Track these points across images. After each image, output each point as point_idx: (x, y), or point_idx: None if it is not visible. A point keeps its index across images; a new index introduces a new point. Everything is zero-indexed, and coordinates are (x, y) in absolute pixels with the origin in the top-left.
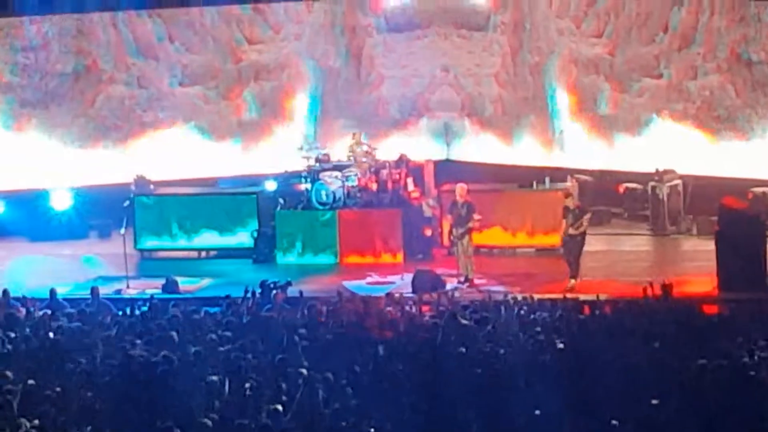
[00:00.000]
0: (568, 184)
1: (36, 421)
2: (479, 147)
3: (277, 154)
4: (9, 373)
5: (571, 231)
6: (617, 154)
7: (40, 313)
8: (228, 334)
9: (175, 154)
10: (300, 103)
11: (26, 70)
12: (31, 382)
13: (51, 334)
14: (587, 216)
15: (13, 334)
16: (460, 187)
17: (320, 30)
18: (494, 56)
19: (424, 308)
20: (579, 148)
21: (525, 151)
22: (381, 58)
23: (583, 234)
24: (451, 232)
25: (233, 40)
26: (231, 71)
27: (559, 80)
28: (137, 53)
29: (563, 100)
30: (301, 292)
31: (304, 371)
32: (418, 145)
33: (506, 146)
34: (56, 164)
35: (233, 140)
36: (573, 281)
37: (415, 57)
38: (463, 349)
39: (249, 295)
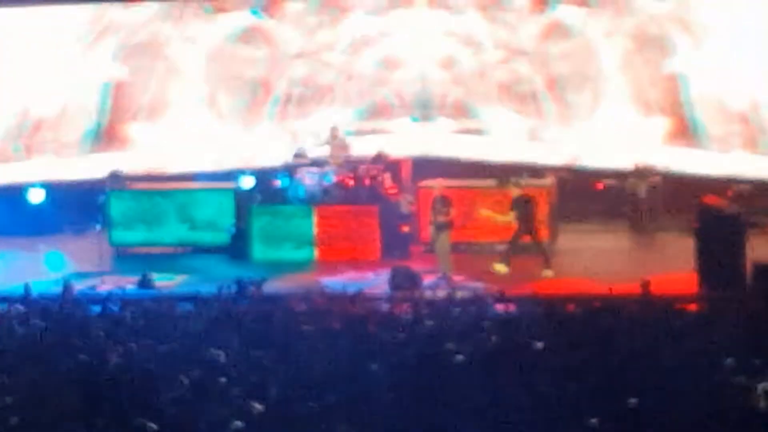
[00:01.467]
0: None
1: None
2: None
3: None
4: None
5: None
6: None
7: (12, 309)
8: (200, 330)
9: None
10: None
11: None
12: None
13: (24, 331)
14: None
15: None
16: (438, 183)
17: None
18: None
19: (401, 305)
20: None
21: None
22: None
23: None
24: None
25: None
26: None
27: None
28: None
29: None
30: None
31: (279, 368)
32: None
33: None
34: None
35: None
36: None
37: None
38: (442, 347)
39: (224, 290)
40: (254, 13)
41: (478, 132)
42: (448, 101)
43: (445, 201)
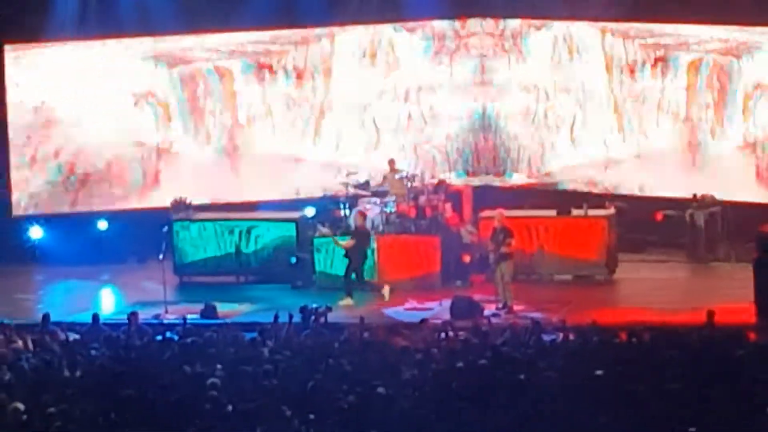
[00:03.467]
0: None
1: None
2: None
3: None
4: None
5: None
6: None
7: (78, 338)
8: (264, 358)
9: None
10: None
11: None
12: (72, 408)
13: (92, 360)
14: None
15: (51, 359)
16: (498, 212)
17: None
18: None
19: (462, 334)
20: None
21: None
22: None
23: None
24: (490, 258)
25: None
26: None
27: None
28: None
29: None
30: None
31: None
32: None
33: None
34: None
35: None
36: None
37: None
38: (501, 376)
39: (287, 320)
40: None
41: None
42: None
43: (505, 232)
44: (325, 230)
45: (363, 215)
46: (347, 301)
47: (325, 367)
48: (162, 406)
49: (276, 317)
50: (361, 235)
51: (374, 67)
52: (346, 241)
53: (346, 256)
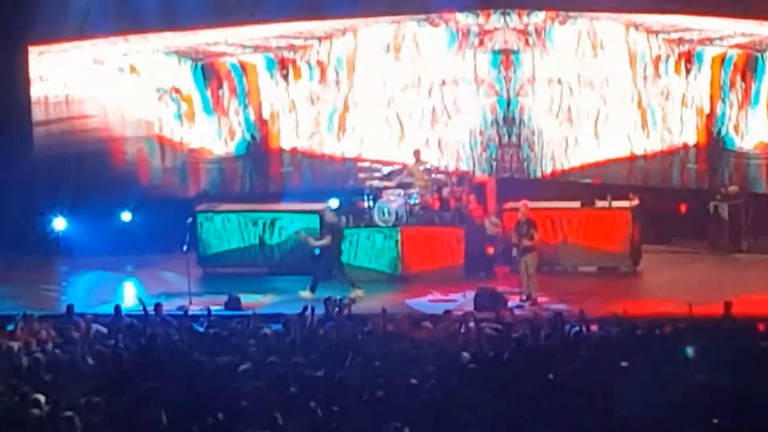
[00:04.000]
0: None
1: None
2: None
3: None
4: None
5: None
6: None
7: (102, 329)
8: (284, 350)
9: None
10: None
11: None
12: (96, 399)
13: (115, 350)
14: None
15: (76, 351)
16: (523, 204)
17: None
18: None
19: (486, 326)
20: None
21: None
22: None
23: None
24: (514, 250)
25: None
26: None
27: None
28: None
29: None
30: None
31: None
32: None
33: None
34: None
35: None
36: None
37: None
38: (525, 367)
39: (309, 312)
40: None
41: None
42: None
43: (529, 223)
44: (302, 235)
45: (332, 211)
46: (358, 292)
47: (349, 360)
48: (185, 397)
49: (305, 309)
50: (336, 230)
51: (398, 61)
52: (323, 241)
53: (322, 253)
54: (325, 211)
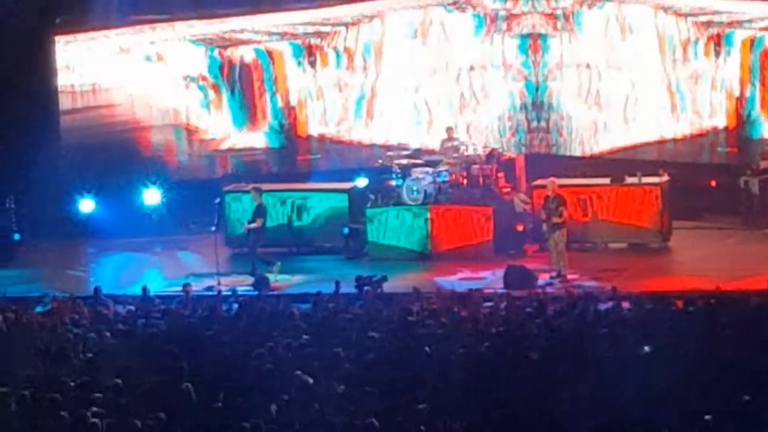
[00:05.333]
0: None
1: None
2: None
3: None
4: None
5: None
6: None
7: (132, 309)
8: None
9: None
10: None
11: None
12: (125, 379)
13: (143, 331)
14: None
15: (106, 332)
16: (551, 181)
17: None
18: None
19: (516, 303)
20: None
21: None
22: None
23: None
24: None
25: None
26: None
27: None
28: None
29: None
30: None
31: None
32: None
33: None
34: None
35: None
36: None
37: None
38: (555, 345)
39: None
40: None
41: None
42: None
43: (558, 200)
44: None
45: (258, 191)
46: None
47: (377, 340)
48: (213, 375)
49: (338, 286)
50: (265, 212)
51: (425, 47)
52: (255, 223)
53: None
54: (252, 192)
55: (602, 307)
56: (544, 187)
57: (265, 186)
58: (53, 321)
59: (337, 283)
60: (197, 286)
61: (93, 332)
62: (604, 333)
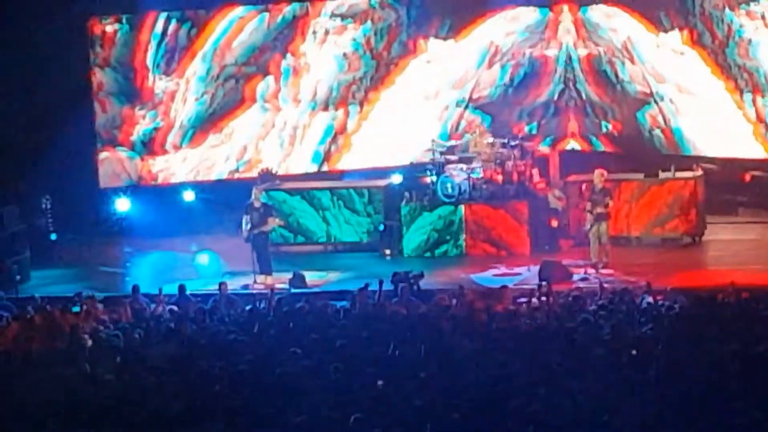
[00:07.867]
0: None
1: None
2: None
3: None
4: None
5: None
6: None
7: (169, 308)
8: (347, 328)
9: None
10: None
11: None
12: (163, 378)
13: (181, 329)
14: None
15: (143, 331)
16: (599, 172)
17: None
18: None
19: (551, 299)
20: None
21: None
22: None
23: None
24: (587, 217)
25: None
26: None
27: None
28: None
29: None
30: None
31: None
32: None
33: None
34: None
35: None
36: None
37: None
38: (591, 340)
39: (376, 288)
40: None
41: None
42: None
43: (605, 191)
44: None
45: (259, 191)
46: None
47: (410, 337)
48: (250, 375)
49: (366, 285)
50: (269, 209)
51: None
52: (278, 220)
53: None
54: (255, 192)
55: (637, 301)
56: (578, 182)
57: (298, 184)
58: (90, 320)
59: (381, 282)
60: (233, 285)
61: (129, 331)
62: (638, 327)
